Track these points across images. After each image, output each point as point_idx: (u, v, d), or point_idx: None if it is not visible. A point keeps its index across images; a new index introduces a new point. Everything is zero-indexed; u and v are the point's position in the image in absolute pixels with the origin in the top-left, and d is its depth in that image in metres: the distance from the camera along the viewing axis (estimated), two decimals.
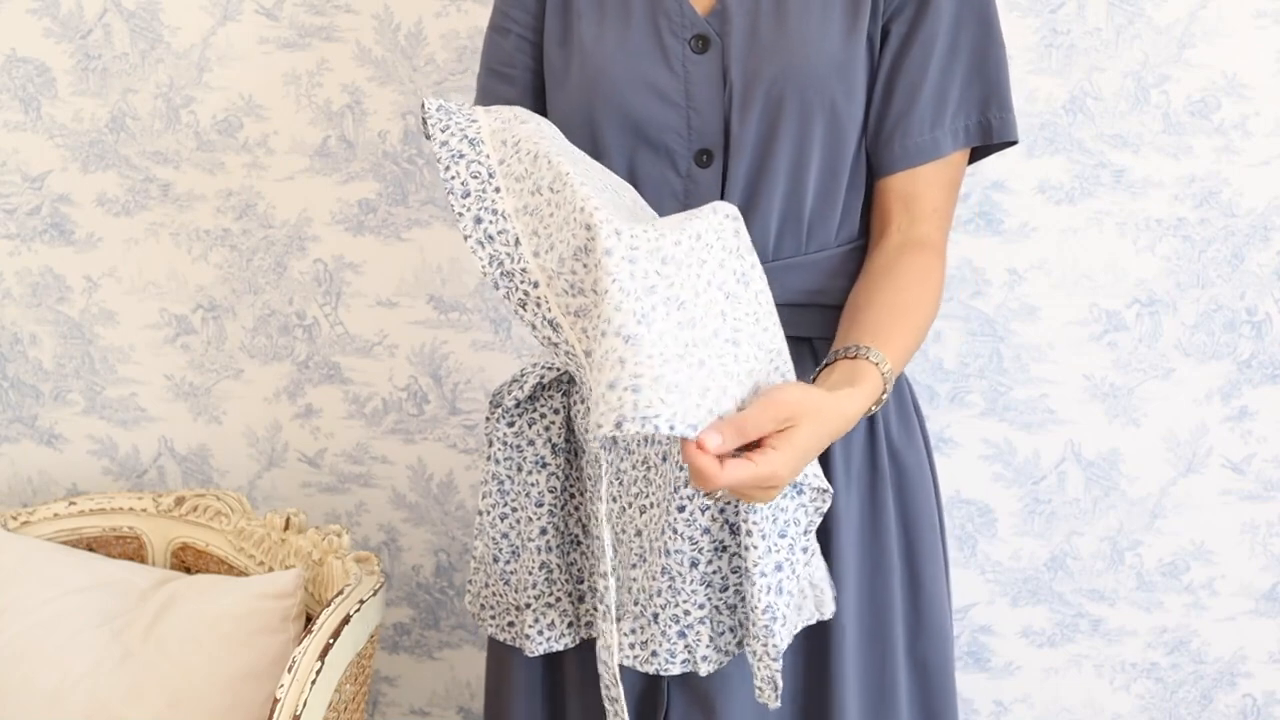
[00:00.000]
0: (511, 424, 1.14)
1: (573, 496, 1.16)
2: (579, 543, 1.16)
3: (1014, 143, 1.15)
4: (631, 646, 1.09)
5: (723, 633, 1.08)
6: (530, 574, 1.16)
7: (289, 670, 1.30)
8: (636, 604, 1.09)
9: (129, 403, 1.82)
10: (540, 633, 1.16)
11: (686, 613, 1.06)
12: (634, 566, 1.09)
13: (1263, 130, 1.55)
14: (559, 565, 1.16)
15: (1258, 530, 1.68)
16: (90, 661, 1.49)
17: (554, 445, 1.14)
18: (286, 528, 1.61)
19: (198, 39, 1.67)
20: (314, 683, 1.30)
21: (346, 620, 1.37)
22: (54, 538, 1.67)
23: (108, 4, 1.68)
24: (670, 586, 1.06)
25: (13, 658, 1.50)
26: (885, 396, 1.02)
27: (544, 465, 1.14)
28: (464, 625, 1.86)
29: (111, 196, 1.74)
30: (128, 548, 1.68)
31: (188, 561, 1.67)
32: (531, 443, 1.14)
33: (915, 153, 1.11)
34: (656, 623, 1.07)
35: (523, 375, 1.13)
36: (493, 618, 1.20)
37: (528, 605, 1.16)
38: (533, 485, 1.15)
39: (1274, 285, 1.60)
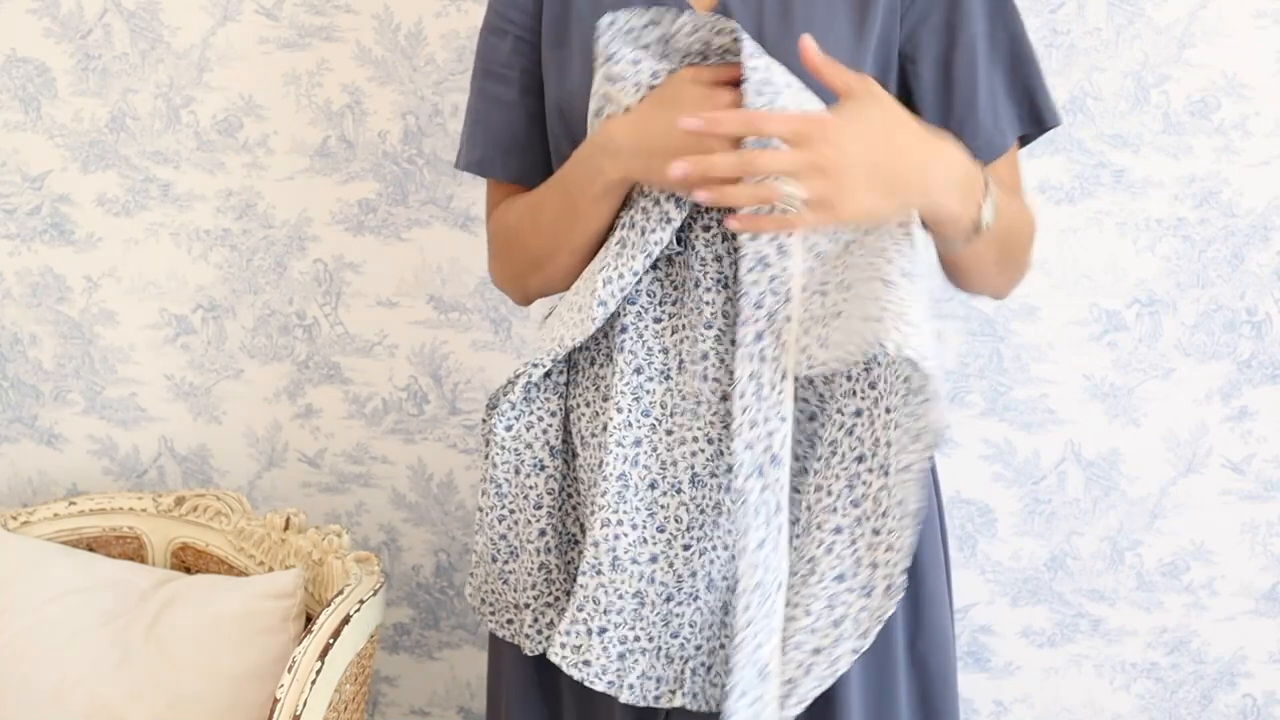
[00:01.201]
0: (509, 427, 1.14)
1: (570, 497, 1.16)
2: (576, 542, 1.16)
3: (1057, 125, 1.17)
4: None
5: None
6: (529, 574, 1.16)
7: (289, 670, 1.30)
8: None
9: (129, 403, 1.82)
10: (539, 631, 1.16)
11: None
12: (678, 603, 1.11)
13: (1263, 130, 1.55)
14: (557, 565, 1.16)
15: (1258, 530, 1.68)
16: (90, 661, 1.49)
17: (551, 447, 1.14)
18: (286, 528, 1.61)
19: (198, 39, 1.67)
20: (314, 683, 1.30)
21: (346, 620, 1.37)
22: (54, 538, 1.67)
23: (108, 4, 1.68)
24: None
25: (13, 658, 1.50)
26: (984, 208, 1.00)
27: (542, 468, 1.14)
28: (464, 625, 1.86)
29: (111, 196, 1.74)
30: (128, 548, 1.68)
31: (188, 561, 1.67)
32: (529, 445, 1.14)
33: (987, 150, 1.11)
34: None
35: (516, 377, 1.13)
36: (493, 613, 1.21)
37: (527, 605, 1.16)
38: (531, 488, 1.15)
39: (1274, 285, 1.60)
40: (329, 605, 1.38)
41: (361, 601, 1.40)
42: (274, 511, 1.63)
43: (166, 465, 1.84)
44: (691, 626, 1.09)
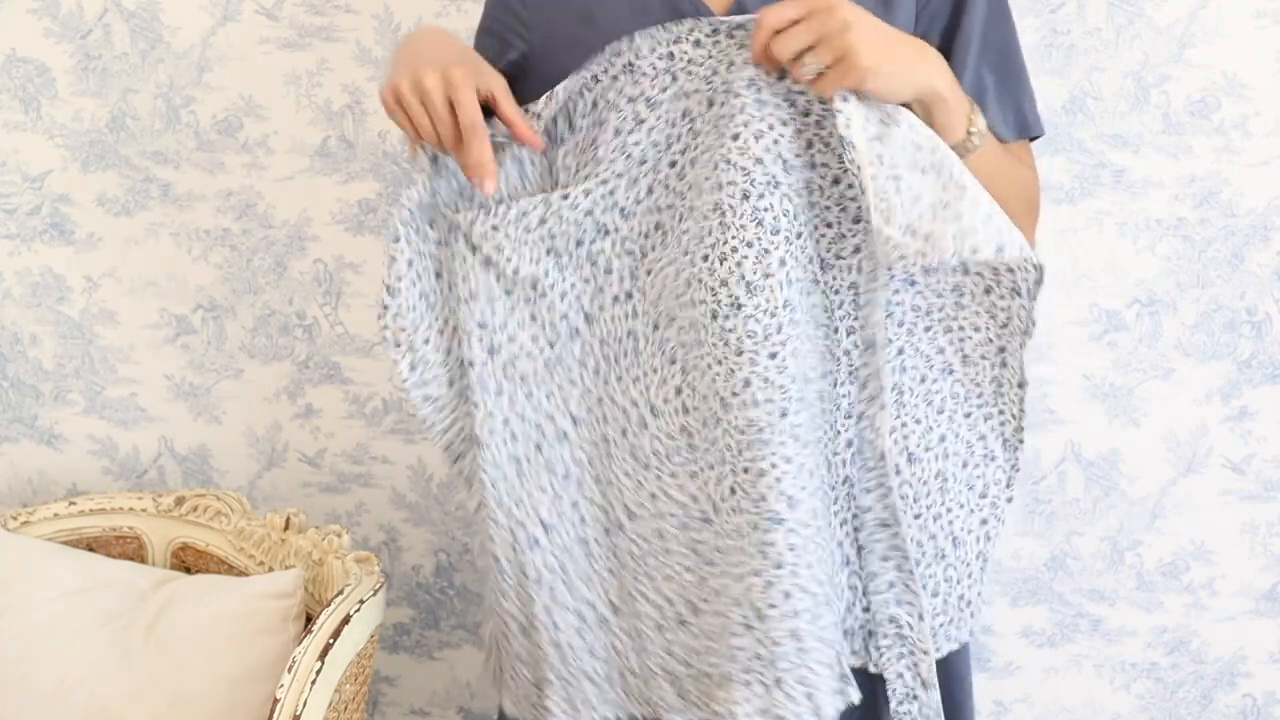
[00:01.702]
0: (499, 503, 1.14)
1: (614, 573, 1.15)
2: (606, 622, 1.15)
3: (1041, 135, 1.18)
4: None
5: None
6: (540, 649, 1.16)
7: (289, 670, 1.30)
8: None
9: (129, 403, 1.82)
10: (557, 706, 1.16)
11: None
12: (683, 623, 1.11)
13: (1263, 130, 1.55)
14: (570, 645, 1.16)
15: (1258, 530, 1.68)
16: (90, 661, 1.49)
17: (545, 524, 1.14)
18: (286, 528, 1.61)
19: (198, 39, 1.67)
20: (314, 683, 1.30)
21: (346, 620, 1.37)
22: (54, 538, 1.67)
23: (108, 4, 1.68)
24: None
25: (13, 658, 1.50)
26: (973, 135, 1.02)
27: (536, 544, 1.14)
28: (464, 625, 1.86)
29: (111, 196, 1.74)
30: (128, 548, 1.69)
31: (188, 561, 1.67)
32: (521, 524, 1.14)
33: None
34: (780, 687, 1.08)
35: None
36: (514, 702, 1.21)
37: (548, 681, 1.16)
38: (528, 563, 1.14)
39: (1274, 285, 1.60)
40: (329, 605, 1.38)
41: (361, 601, 1.40)
42: (274, 511, 1.63)
43: (166, 465, 1.84)
44: (839, 617, 1.12)
